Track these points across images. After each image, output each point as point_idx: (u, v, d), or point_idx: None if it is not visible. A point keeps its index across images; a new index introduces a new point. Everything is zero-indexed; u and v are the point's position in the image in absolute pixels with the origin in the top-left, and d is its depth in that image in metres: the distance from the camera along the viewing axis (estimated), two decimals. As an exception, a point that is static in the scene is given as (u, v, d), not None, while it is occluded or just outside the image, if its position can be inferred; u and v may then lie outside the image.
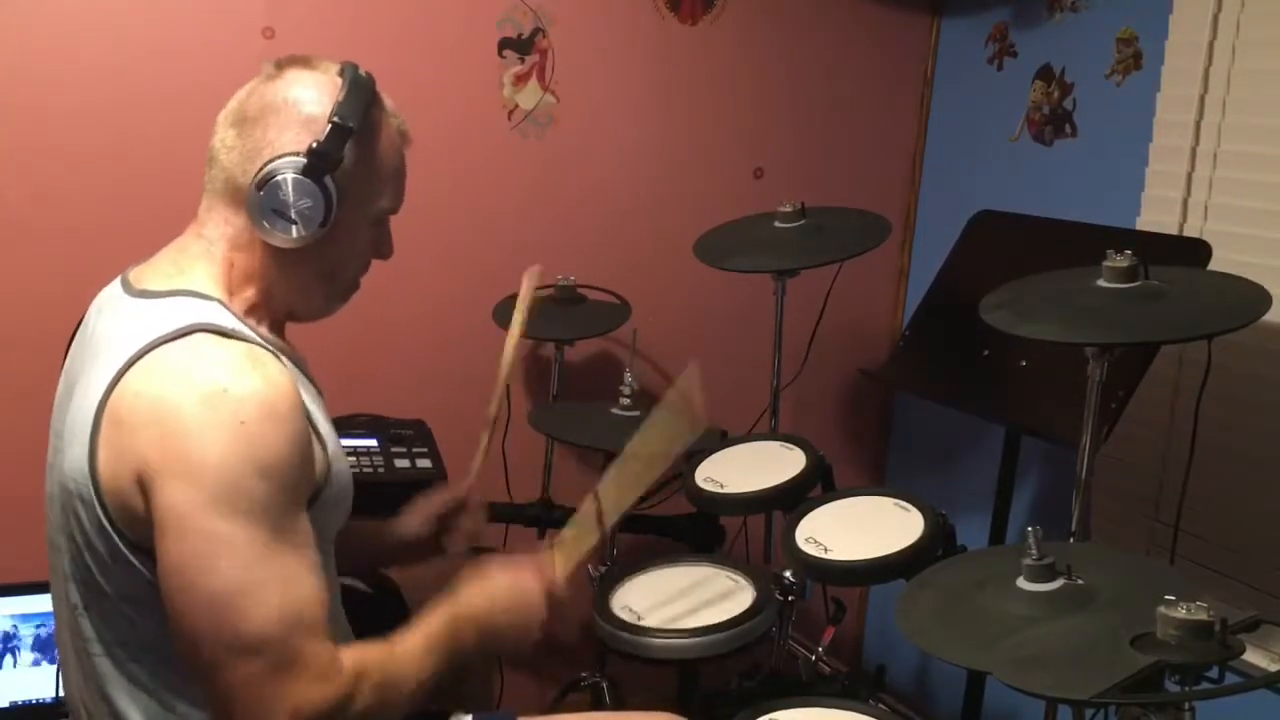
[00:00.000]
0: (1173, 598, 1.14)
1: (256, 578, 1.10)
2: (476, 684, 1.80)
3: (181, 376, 1.13)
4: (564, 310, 2.34)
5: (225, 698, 1.12)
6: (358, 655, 1.19)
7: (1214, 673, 1.11)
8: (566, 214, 2.49)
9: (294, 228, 1.23)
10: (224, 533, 1.09)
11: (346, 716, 1.15)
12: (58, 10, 2.06)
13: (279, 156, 1.23)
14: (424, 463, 2.17)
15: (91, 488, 1.15)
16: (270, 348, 1.22)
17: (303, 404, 1.19)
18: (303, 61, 1.29)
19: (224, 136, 1.28)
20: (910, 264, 2.81)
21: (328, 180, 1.23)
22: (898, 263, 2.81)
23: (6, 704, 2.00)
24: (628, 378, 2.18)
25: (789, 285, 2.20)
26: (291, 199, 1.22)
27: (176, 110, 2.15)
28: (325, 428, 1.28)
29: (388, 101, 1.33)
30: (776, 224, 2.19)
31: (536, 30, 2.39)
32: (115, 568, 1.18)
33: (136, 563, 1.16)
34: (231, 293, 1.27)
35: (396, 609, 1.63)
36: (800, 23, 2.60)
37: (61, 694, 1.99)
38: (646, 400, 2.26)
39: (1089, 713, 1.33)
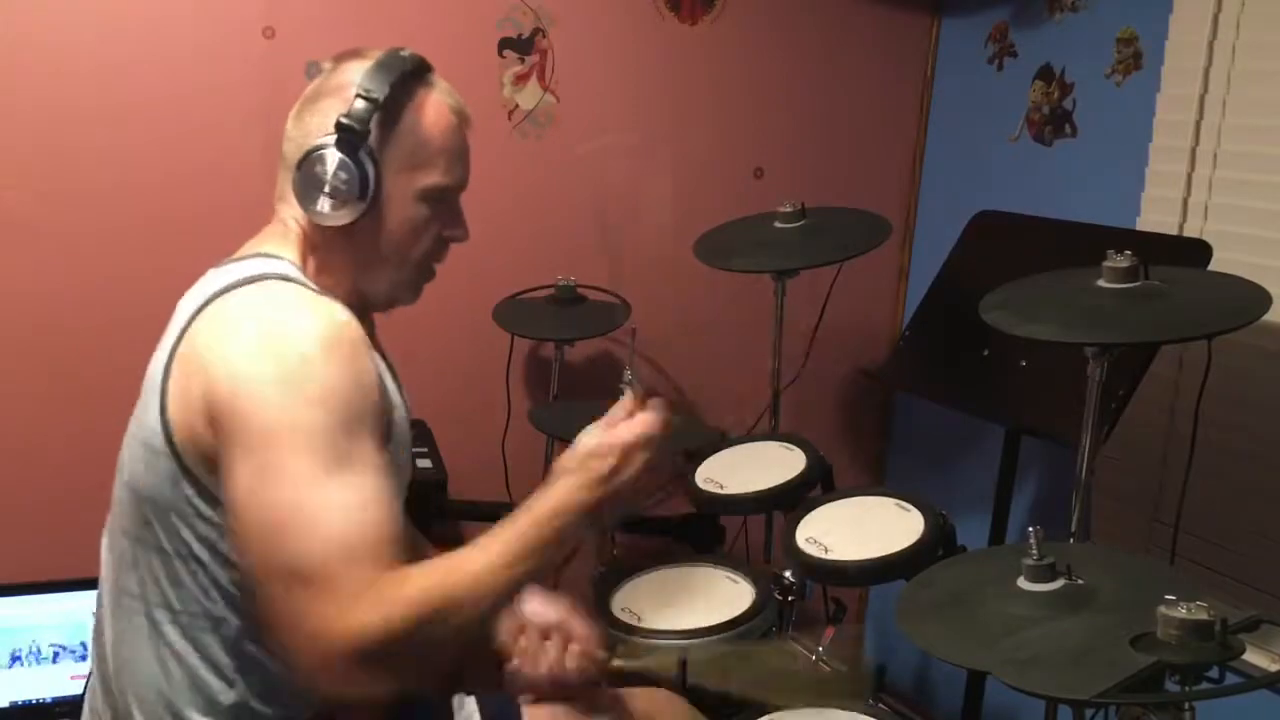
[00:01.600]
0: (1173, 598, 1.14)
1: (311, 504, 1.10)
2: (481, 667, 1.81)
3: (246, 314, 1.18)
4: (564, 310, 2.34)
5: (271, 618, 1.12)
6: (414, 580, 1.11)
7: (1214, 673, 1.11)
8: (566, 214, 2.49)
9: (331, 201, 1.26)
10: (279, 463, 1.11)
11: (395, 642, 1.08)
12: (57, 10, 2.06)
13: (321, 136, 1.27)
14: (424, 463, 2.17)
15: (163, 435, 1.18)
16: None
17: (366, 343, 1.21)
18: (356, 53, 1.32)
19: (288, 130, 1.33)
20: (910, 264, 2.80)
21: (361, 153, 1.25)
22: (898, 263, 2.81)
23: (6, 704, 2.00)
24: (627, 376, 2.18)
25: (789, 285, 2.20)
26: (328, 174, 1.25)
27: (177, 109, 2.15)
28: (394, 393, 1.31)
29: (440, 81, 1.35)
30: (776, 224, 2.19)
31: (536, 30, 2.39)
32: (178, 521, 1.20)
33: (207, 510, 1.18)
34: (305, 261, 1.31)
35: None
36: (800, 23, 2.60)
37: (62, 694, 2.01)
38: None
39: (1089, 713, 1.33)
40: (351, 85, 1.27)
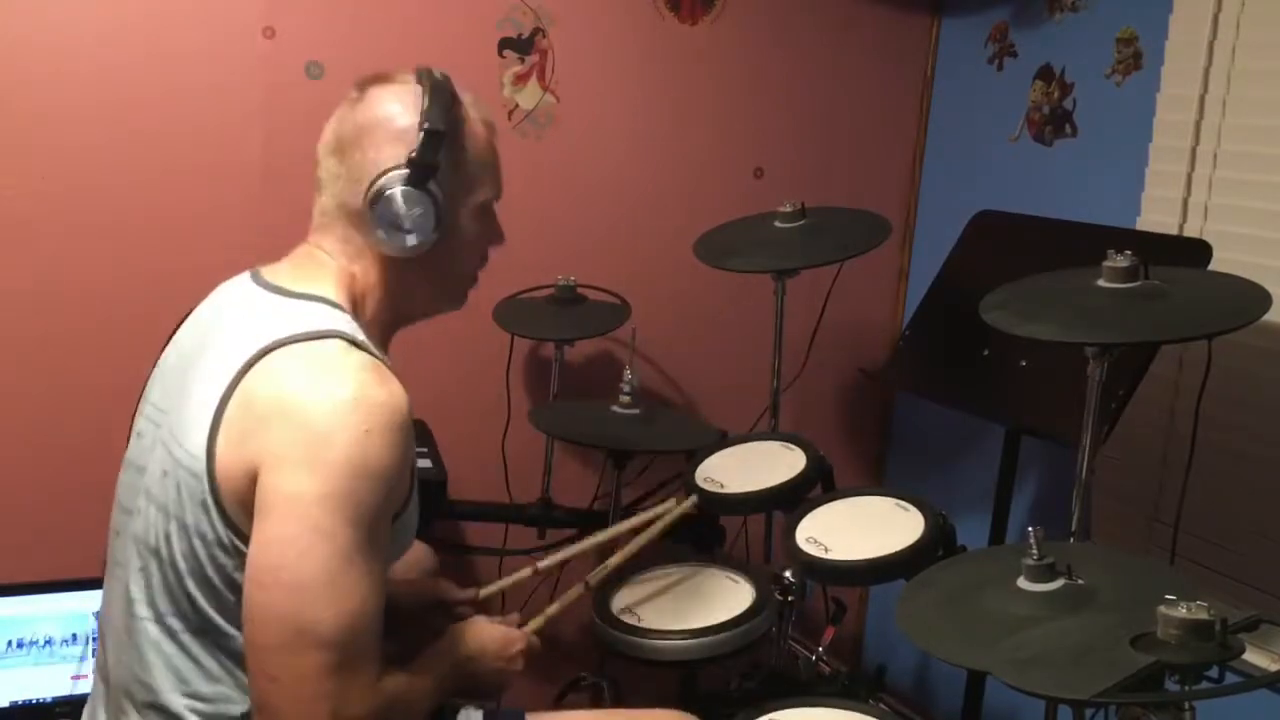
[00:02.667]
0: (1173, 597, 1.14)
1: (345, 576, 1.15)
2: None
3: (318, 379, 1.19)
4: (564, 310, 2.34)
5: (274, 684, 1.14)
6: (389, 677, 1.23)
7: (1214, 673, 1.11)
8: (566, 214, 2.49)
9: (411, 236, 1.29)
10: (328, 527, 1.14)
11: None
12: (58, 9, 2.06)
13: (383, 173, 1.28)
14: (424, 463, 2.17)
15: (205, 466, 1.19)
16: (386, 364, 1.28)
17: (412, 423, 1.25)
18: (381, 79, 1.34)
19: (327, 166, 1.33)
20: (910, 264, 2.81)
21: (432, 185, 1.29)
22: (898, 263, 2.81)
23: (6, 704, 2.00)
24: (627, 376, 2.18)
25: (789, 285, 2.20)
26: (404, 210, 1.28)
27: (177, 109, 2.15)
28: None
29: (466, 95, 1.37)
30: (776, 224, 2.19)
31: (536, 30, 2.39)
32: (200, 546, 1.21)
33: (233, 542, 1.20)
34: (354, 306, 1.33)
35: None
36: (800, 23, 2.60)
37: (62, 694, 2.01)
38: (646, 400, 2.27)
39: (1089, 713, 1.33)
40: (398, 116, 1.30)
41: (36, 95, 2.07)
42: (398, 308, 1.39)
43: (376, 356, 1.26)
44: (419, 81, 1.32)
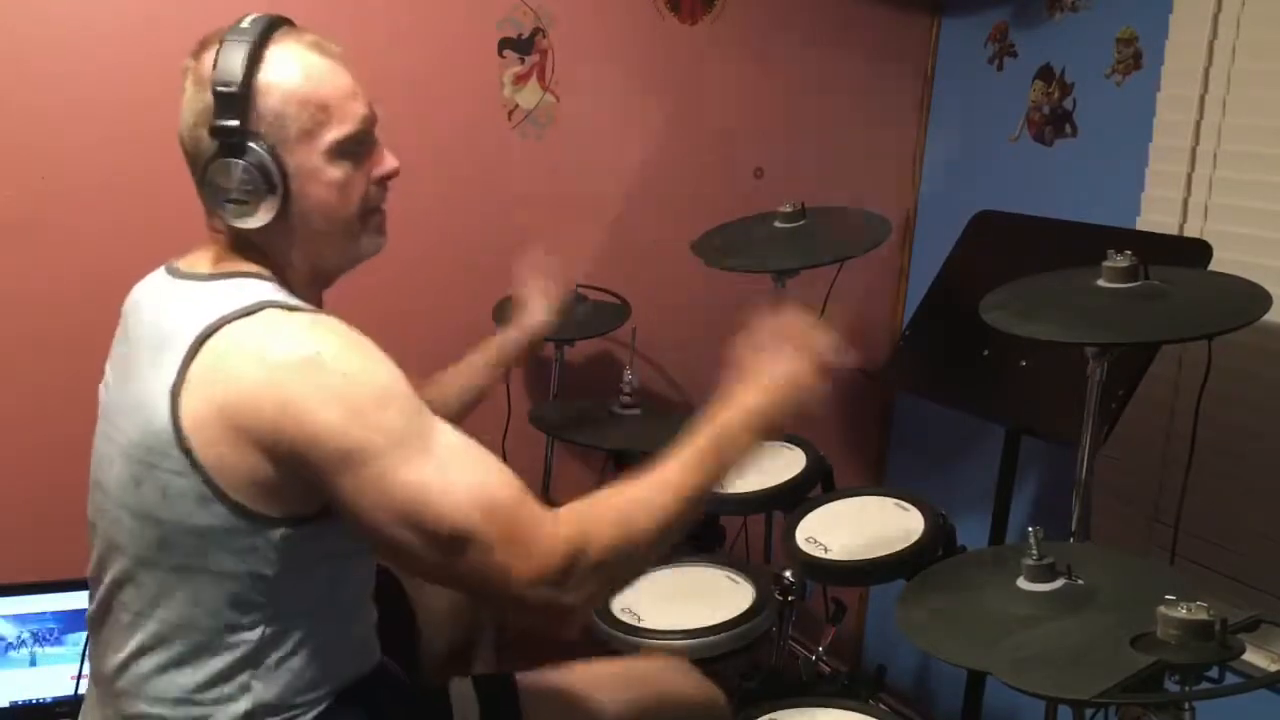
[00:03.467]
0: (1173, 598, 1.14)
1: (429, 477, 1.13)
2: (481, 654, 1.84)
3: (271, 337, 1.16)
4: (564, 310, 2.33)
5: (466, 590, 1.17)
6: (580, 507, 1.18)
7: (1214, 673, 1.11)
8: (566, 214, 2.49)
9: (249, 206, 1.22)
10: (380, 465, 1.12)
11: (583, 569, 1.15)
12: (56, 9, 2.06)
13: (201, 153, 1.23)
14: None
15: (183, 458, 1.16)
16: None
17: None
18: (201, 44, 1.25)
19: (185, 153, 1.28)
20: (910, 264, 2.80)
21: (252, 148, 1.20)
22: (898, 263, 2.81)
23: (6, 704, 2.00)
24: (628, 376, 2.18)
25: (789, 285, 2.20)
26: (232, 184, 1.21)
27: (176, 109, 2.15)
28: None
29: (295, 30, 1.27)
30: (776, 224, 2.19)
31: (536, 30, 2.39)
32: (207, 541, 1.18)
33: (242, 523, 1.17)
34: (277, 274, 1.28)
35: (398, 596, 1.64)
36: (800, 23, 2.60)
37: (62, 694, 2.01)
38: (646, 399, 2.27)
39: (1089, 713, 1.33)
40: (202, 86, 1.22)
41: (34, 95, 2.06)
42: (315, 267, 1.31)
43: (315, 311, 1.23)
44: (218, 41, 1.23)
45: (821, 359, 1.35)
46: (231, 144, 1.20)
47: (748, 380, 1.33)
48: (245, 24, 1.24)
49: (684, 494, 1.22)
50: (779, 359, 1.35)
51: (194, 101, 1.24)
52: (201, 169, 1.23)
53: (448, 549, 1.13)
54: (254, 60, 1.21)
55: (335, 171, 1.26)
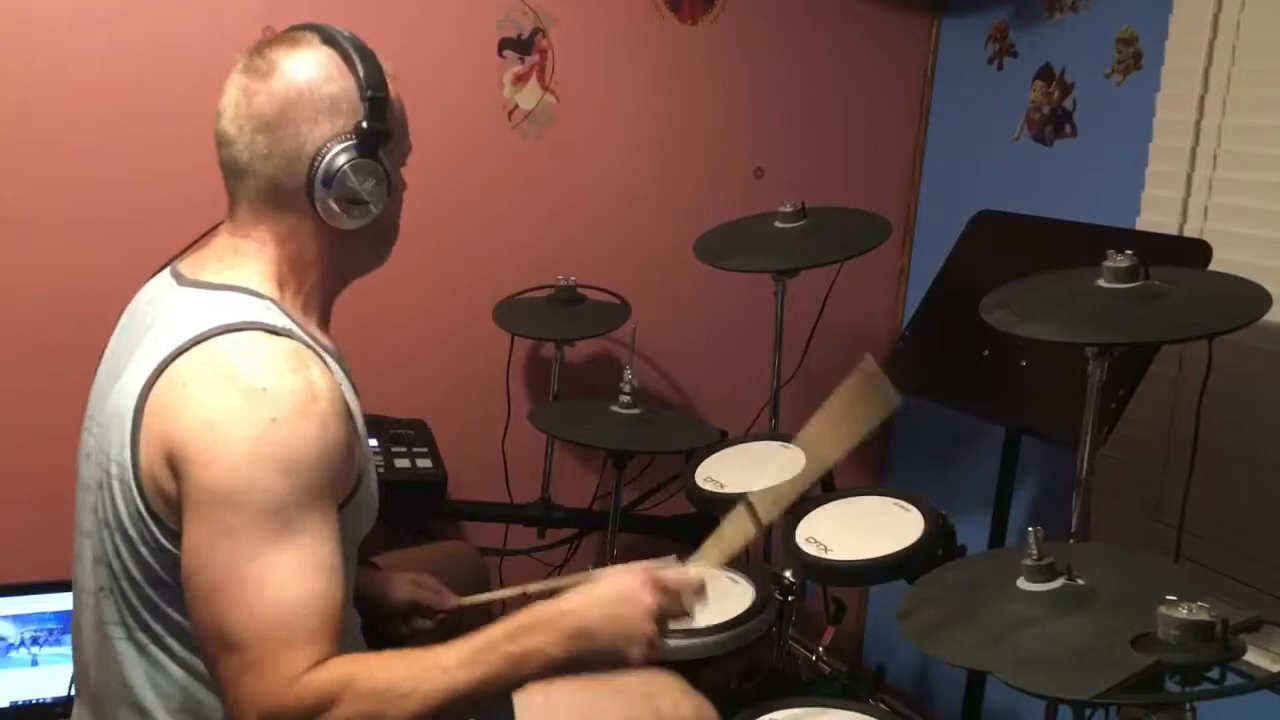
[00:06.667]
0: (1173, 598, 1.13)
1: (248, 574, 1.09)
2: None
3: (228, 371, 1.14)
4: (564, 310, 2.34)
5: (225, 689, 1.12)
6: (350, 665, 1.12)
7: (1215, 673, 1.11)
8: (566, 214, 2.49)
9: (368, 208, 1.26)
10: (229, 524, 1.10)
11: None
12: (57, 8, 2.06)
13: (327, 147, 1.23)
14: (424, 463, 2.17)
15: (131, 472, 1.16)
16: (318, 349, 1.22)
17: (345, 407, 1.19)
18: (283, 44, 1.26)
19: (252, 144, 1.24)
20: (910, 264, 2.80)
21: (381, 153, 1.26)
22: (898, 263, 2.81)
23: (6, 704, 2.00)
24: (628, 376, 2.18)
25: (789, 285, 2.20)
26: (359, 184, 1.24)
27: (176, 109, 2.15)
28: (362, 430, 1.28)
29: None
30: (776, 224, 2.18)
31: (536, 30, 2.39)
32: (146, 552, 1.18)
33: (169, 546, 1.16)
34: (283, 288, 1.27)
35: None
36: (800, 23, 2.60)
37: (61, 694, 2.01)
38: (647, 399, 2.27)
39: (1089, 713, 1.33)
40: (322, 83, 1.23)
41: (35, 94, 2.06)
42: (342, 274, 1.34)
43: (304, 342, 1.21)
44: (325, 42, 1.26)
45: (660, 581, 1.27)
46: (370, 147, 1.25)
47: (576, 590, 1.26)
48: (346, 32, 1.29)
49: (456, 688, 1.14)
50: (616, 574, 1.29)
51: (294, 101, 1.23)
52: (319, 169, 1.23)
53: (215, 641, 1.10)
54: (383, 73, 1.27)
55: (403, 180, 1.34)
